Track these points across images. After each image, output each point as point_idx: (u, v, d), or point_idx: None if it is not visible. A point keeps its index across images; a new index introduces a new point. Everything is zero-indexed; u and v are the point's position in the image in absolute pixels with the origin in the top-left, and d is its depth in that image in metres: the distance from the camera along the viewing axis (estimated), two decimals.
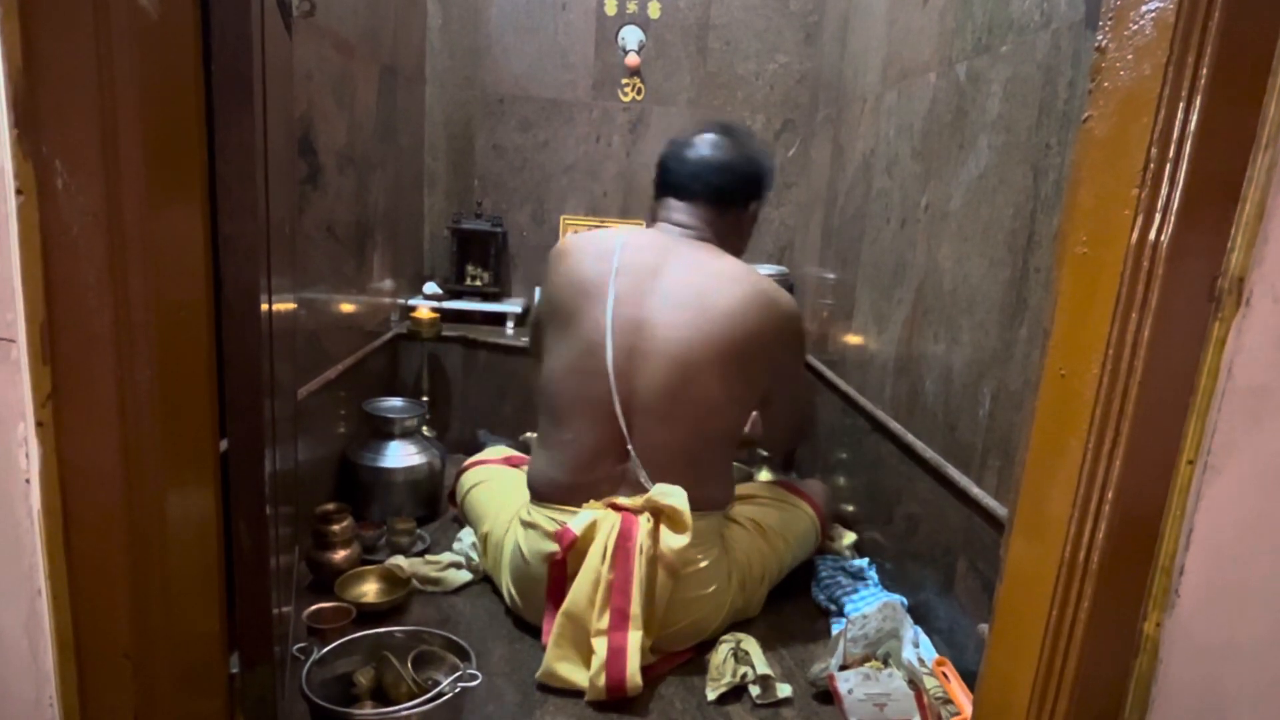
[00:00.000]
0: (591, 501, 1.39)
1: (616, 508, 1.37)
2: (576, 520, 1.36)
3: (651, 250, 1.46)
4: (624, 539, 1.33)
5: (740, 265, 1.48)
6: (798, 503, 1.71)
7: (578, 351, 1.42)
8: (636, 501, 1.37)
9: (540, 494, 1.47)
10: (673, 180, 1.52)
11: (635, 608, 1.30)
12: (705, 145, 1.53)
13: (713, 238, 1.51)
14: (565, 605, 1.33)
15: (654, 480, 1.40)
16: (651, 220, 1.60)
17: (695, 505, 1.38)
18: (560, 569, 1.37)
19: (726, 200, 1.52)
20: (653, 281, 1.42)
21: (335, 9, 1.64)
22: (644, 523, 1.34)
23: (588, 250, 1.48)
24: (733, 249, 1.54)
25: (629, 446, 1.41)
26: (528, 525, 1.46)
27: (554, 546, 1.37)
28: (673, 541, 1.34)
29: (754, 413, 1.58)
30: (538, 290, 1.71)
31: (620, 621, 1.30)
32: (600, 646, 1.29)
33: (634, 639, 1.29)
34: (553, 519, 1.41)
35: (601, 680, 1.27)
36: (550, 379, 1.47)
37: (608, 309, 1.40)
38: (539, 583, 1.41)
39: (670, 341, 1.39)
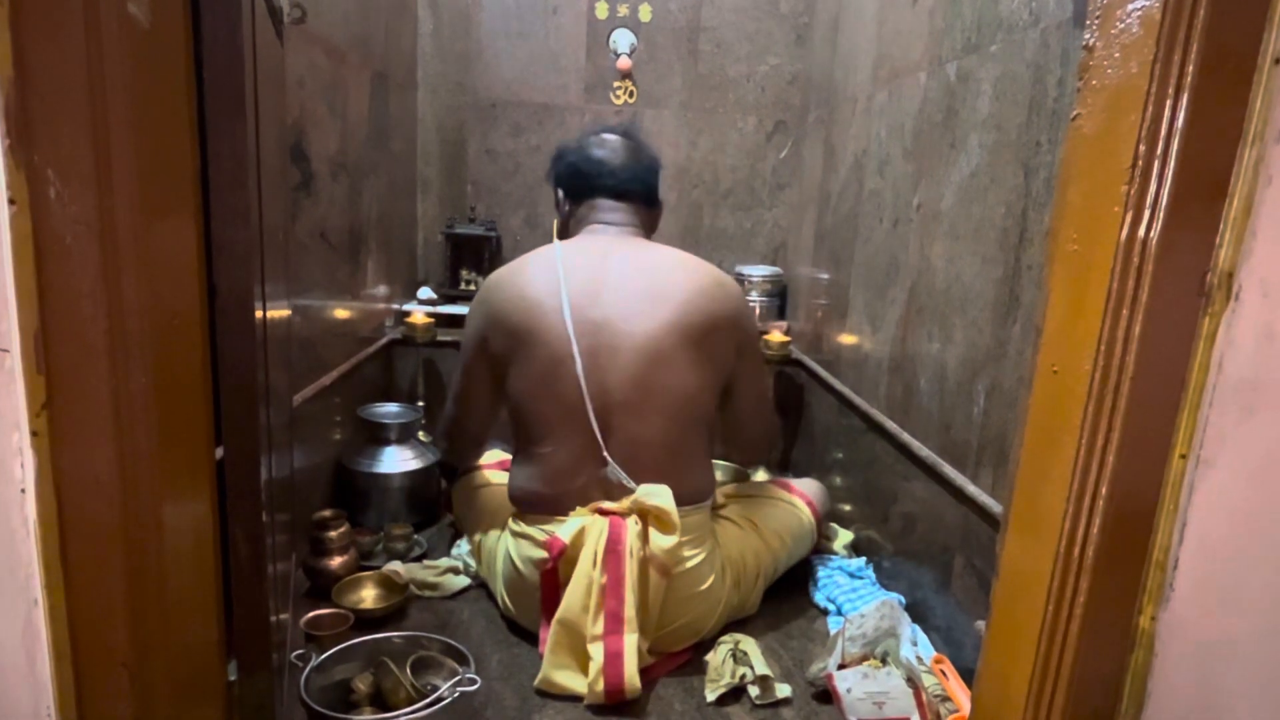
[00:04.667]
0: (578, 509, 1.38)
1: (603, 512, 1.37)
2: (564, 529, 1.35)
3: (593, 252, 1.46)
4: (613, 543, 1.32)
5: (681, 252, 1.50)
6: (793, 500, 1.71)
7: (545, 366, 1.40)
8: (623, 504, 1.37)
9: (525, 506, 1.47)
10: (606, 181, 1.54)
11: (629, 610, 1.30)
12: (623, 146, 1.56)
13: (645, 234, 1.56)
14: (559, 613, 1.32)
15: (636, 479, 1.40)
16: (565, 225, 1.60)
17: (681, 499, 1.38)
18: (552, 577, 1.36)
19: (653, 198, 1.58)
20: (603, 279, 1.42)
21: (326, 16, 1.64)
22: (632, 525, 1.34)
23: (525, 271, 1.47)
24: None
25: (604, 453, 1.40)
26: (517, 535, 1.45)
27: (545, 554, 1.36)
28: (662, 542, 1.34)
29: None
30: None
31: (615, 625, 1.29)
32: (597, 652, 1.28)
33: (630, 641, 1.29)
34: (541, 529, 1.41)
35: (600, 685, 1.27)
36: (520, 400, 1.45)
37: (566, 316, 1.39)
38: (533, 591, 1.40)
39: (633, 335, 1.39)
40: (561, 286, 1.41)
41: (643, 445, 1.41)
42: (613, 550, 1.32)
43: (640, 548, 1.33)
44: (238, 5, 0.81)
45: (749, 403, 1.58)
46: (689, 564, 1.40)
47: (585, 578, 1.32)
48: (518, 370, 1.45)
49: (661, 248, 1.50)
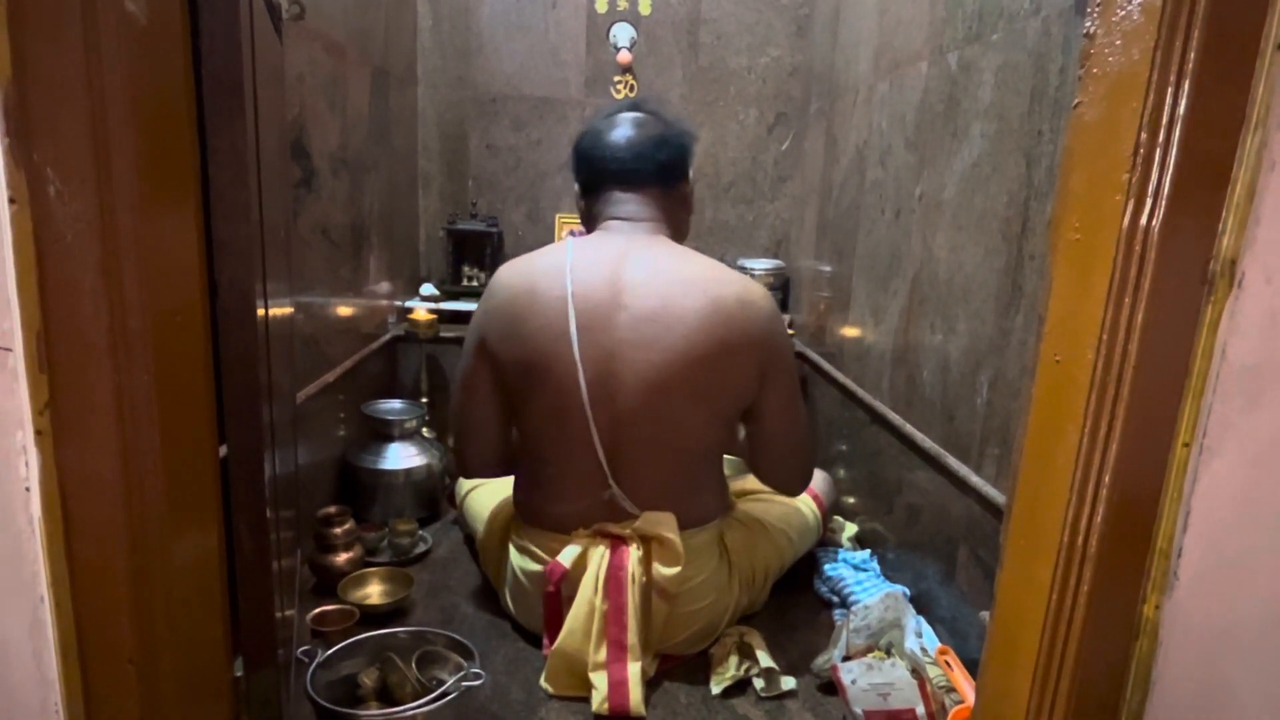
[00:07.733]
0: (579, 530, 1.35)
1: (606, 534, 1.34)
2: (565, 554, 1.33)
3: (605, 262, 1.32)
4: (615, 569, 1.29)
5: (703, 262, 1.36)
6: (800, 495, 1.70)
7: (551, 397, 1.32)
8: (626, 529, 1.33)
9: (526, 518, 1.44)
10: (611, 168, 1.39)
11: (632, 637, 1.27)
12: (632, 124, 1.41)
13: (666, 223, 1.41)
14: (558, 644, 1.29)
15: (642, 505, 1.35)
16: (587, 219, 1.47)
17: (690, 522, 1.36)
18: (554, 600, 1.34)
19: (673, 176, 1.42)
20: (613, 300, 1.30)
21: (325, 11, 1.64)
22: (634, 551, 1.31)
23: (537, 283, 1.33)
24: (682, 228, 1.47)
25: (609, 482, 1.34)
26: (519, 548, 1.44)
27: (542, 569, 1.35)
28: (665, 571, 1.30)
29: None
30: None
31: (619, 654, 1.27)
32: (600, 681, 1.26)
33: (634, 670, 1.26)
34: (543, 545, 1.39)
35: (605, 710, 1.25)
36: (526, 424, 1.40)
37: (574, 345, 1.28)
38: (536, 602, 1.39)
39: (642, 366, 1.29)
40: (569, 309, 1.28)
41: (650, 476, 1.35)
42: (614, 577, 1.29)
43: (642, 573, 1.30)
44: (236, 2, 0.81)
45: (774, 431, 1.43)
46: (692, 583, 1.37)
47: (587, 604, 1.29)
48: (523, 397, 1.37)
49: (683, 257, 1.36)
